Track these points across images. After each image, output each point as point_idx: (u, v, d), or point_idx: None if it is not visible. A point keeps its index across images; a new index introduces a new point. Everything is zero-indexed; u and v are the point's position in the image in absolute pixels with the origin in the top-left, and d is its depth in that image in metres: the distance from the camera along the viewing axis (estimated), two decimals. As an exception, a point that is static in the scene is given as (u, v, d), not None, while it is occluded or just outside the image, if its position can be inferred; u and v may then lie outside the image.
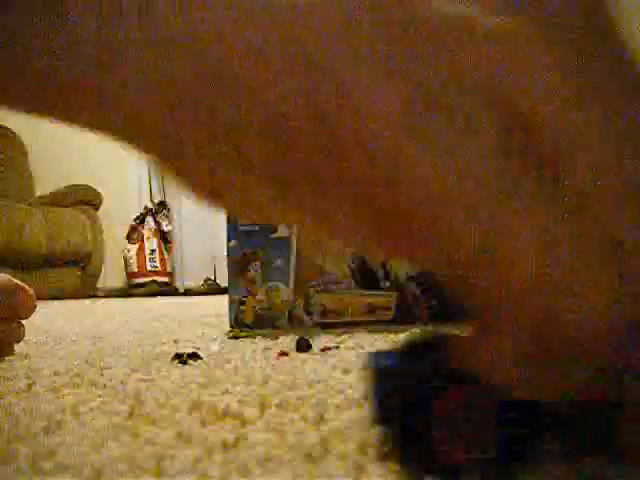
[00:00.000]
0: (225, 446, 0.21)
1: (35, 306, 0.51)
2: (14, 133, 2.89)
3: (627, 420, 0.18)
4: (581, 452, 0.18)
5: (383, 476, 0.18)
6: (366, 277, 0.71)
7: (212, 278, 2.94)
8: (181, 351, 0.47)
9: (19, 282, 0.49)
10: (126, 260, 2.85)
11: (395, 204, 0.14)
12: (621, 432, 0.17)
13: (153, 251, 2.87)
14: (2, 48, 0.14)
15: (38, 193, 2.87)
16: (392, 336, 0.57)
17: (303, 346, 0.50)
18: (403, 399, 0.17)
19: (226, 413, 0.26)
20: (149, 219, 2.92)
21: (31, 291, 0.50)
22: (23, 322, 0.52)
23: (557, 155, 0.14)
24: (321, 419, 0.25)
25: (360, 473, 0.18)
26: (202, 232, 2.97)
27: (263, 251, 0.72)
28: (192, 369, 0.41)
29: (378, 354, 0.19)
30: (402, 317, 0.69)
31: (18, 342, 0.53)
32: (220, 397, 0.30)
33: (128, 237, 2.88)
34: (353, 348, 0.50)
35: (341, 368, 0.38)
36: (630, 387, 0.16)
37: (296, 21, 0.13)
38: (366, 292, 0.71)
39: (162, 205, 2.99)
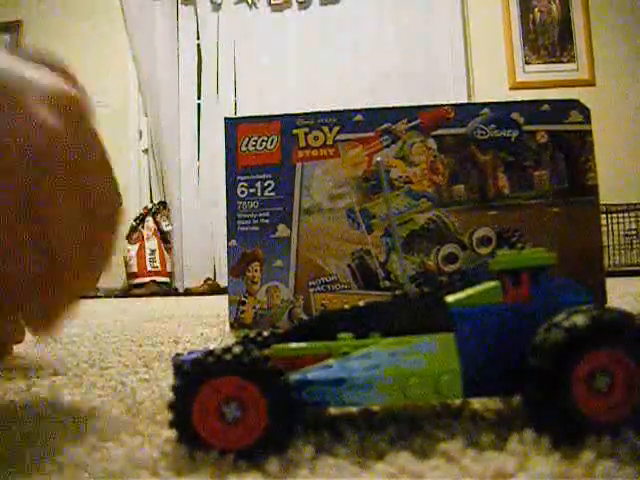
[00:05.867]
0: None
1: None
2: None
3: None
4: None
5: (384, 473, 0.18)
6: (366, 277, 0.71)
7: (212, 278, 2.94)
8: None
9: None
10: (126, 260, 2.85)
11: None
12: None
13: (153, 251, 2.87)
14: None
15: (38, 193, 2.87)
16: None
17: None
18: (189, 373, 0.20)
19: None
20: (149, 219, 2.92)
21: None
22: None
23: None
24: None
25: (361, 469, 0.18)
26: (202, 232, 2.96)
27: (263, 251, 0.72)
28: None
29: (191, 353, 0.24)
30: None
31: (18, 343, 0.52)
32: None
33: (128, 237, 2.87)
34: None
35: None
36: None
37: None
38: (366, 292, 0.71)
39: (162, 205, 2.99)
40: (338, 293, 0.71)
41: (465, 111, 0.72)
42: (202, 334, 0.65)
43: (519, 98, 0.76)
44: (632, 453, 0.18)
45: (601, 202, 0.72)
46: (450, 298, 0.24)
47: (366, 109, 0.73)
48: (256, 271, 0.72)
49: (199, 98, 3.12)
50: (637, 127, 2.93)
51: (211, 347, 0.21)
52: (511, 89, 2.98)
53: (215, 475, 0.19)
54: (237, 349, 0.20)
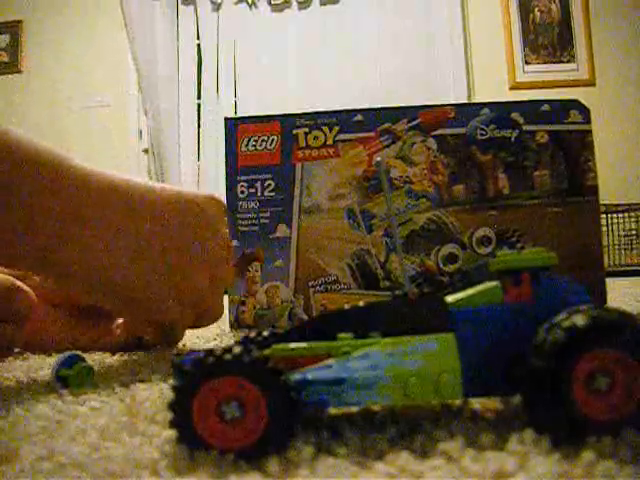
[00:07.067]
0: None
1: (34, 308, 0.50)
2: (14, 133, 2.88)
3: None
4: None
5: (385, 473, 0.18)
6: (366, 277, 0.71)
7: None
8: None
9: (18, 282, 0.49)
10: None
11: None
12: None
13: (153, 251, 2.87)
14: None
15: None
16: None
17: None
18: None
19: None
20: (149, 219, 2.91)
21: (30, 291, 0.49)
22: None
23: None
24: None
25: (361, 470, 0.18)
26: (202, 232, 2.96)
27: (263, 251, 0.72)
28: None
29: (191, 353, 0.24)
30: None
31: (17, 347, 0.52)
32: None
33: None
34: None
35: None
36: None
37: None
38: (366, 292, 0.71)
39: (162, 205, 2.99)
40: (338, 293, 0.71)
41: (465, 111, 0.72)
42: (202, 334, 0.65)
43: (519, 98, 0.76)
44: (632, 453, 0.18)
45: (601, 202, 0.73)
46: (450, 298, 0.24)
47: (366, 109, 0.73)
48: (256, 271, 0.72)
49: (199, 98, 3.12)
50: (637, 127, 2.93)
51: (211, 347, 0.21)
52: (511, 89, 2.98)
53: (215, 475, 0.19)
54: (237, 349, 0.20)
